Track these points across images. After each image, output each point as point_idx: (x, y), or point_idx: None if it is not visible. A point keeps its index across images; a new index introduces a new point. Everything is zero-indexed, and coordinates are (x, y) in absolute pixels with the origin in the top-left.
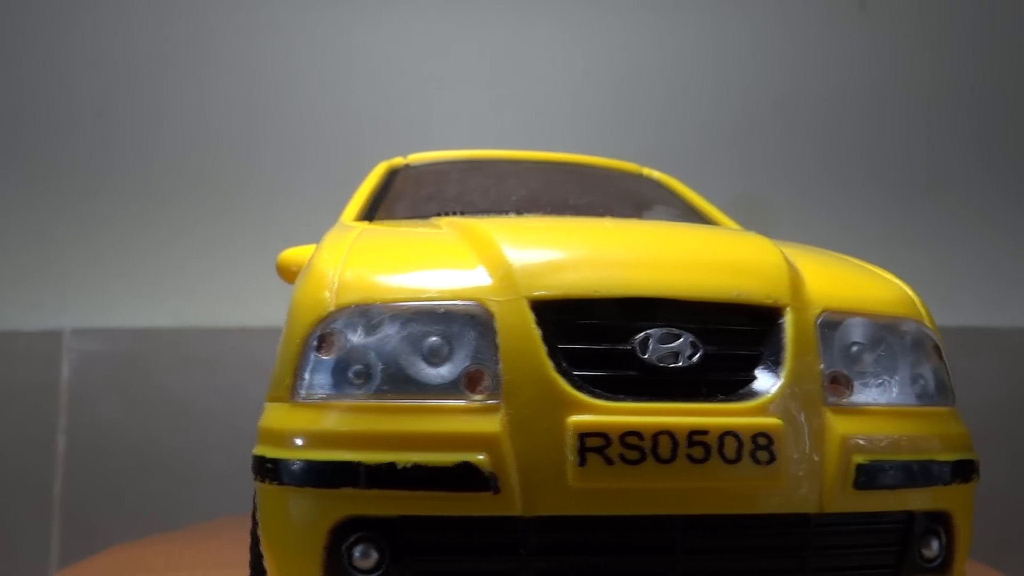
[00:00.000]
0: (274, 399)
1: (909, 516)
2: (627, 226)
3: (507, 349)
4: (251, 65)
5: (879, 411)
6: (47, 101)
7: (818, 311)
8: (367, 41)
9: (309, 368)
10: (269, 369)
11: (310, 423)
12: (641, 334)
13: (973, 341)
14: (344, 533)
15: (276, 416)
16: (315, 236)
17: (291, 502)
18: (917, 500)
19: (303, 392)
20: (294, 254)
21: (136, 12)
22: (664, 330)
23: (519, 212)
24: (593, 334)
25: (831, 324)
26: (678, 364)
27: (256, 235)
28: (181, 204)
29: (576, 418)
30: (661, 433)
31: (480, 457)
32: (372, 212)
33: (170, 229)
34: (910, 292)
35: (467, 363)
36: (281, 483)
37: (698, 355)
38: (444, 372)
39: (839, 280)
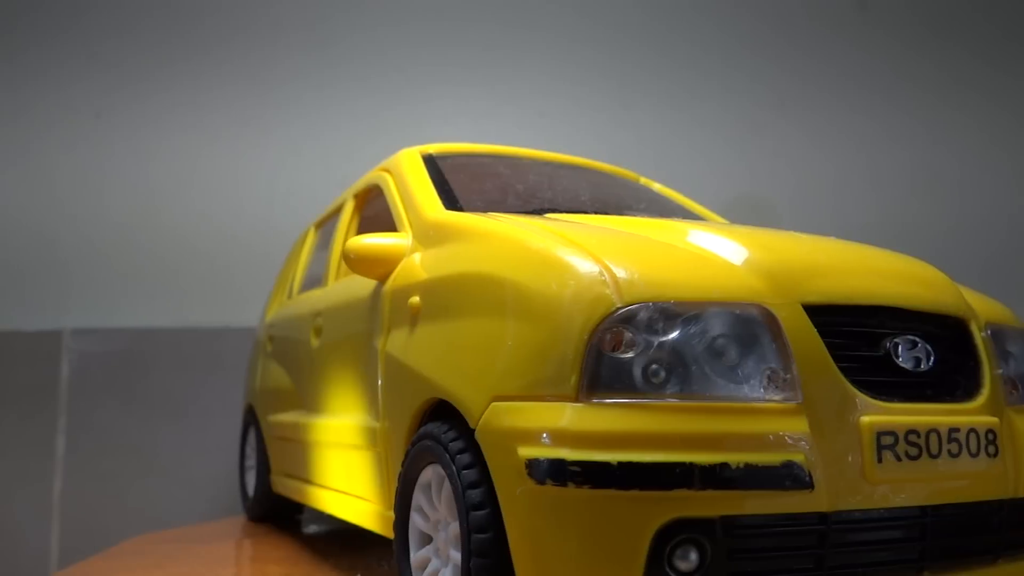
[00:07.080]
0: (550, 398)
1: None
2: (816, 237)
3: (799, 352)
4: (251, 65)
5: None
6: (47, 101)
7: (984, 322)
8: (368, 42)
9: (605, 366)
10: None
11: (623, 424)
12: (889, 340)
13: None
14: (668, 535)
15: (565, 416)
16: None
17: (603, 506)
18: None
19: (600, 391)
20: (363, 243)
21: (136, 12)
22: (906, 337)
23: (603, 212)
24: (849, 338)
25: (993, 334)
26: (922, 368)
27: (256, 235)
28: (181, 204)
29: (871, 418)
30: (931, 431)
31: (801, 456)
32: (453, 201)
33: (170, 229)
34: None
35: (763, 364)
36: (594, 486)
37: (932, 360)
38: (744, 372)
39: (973, 295)
